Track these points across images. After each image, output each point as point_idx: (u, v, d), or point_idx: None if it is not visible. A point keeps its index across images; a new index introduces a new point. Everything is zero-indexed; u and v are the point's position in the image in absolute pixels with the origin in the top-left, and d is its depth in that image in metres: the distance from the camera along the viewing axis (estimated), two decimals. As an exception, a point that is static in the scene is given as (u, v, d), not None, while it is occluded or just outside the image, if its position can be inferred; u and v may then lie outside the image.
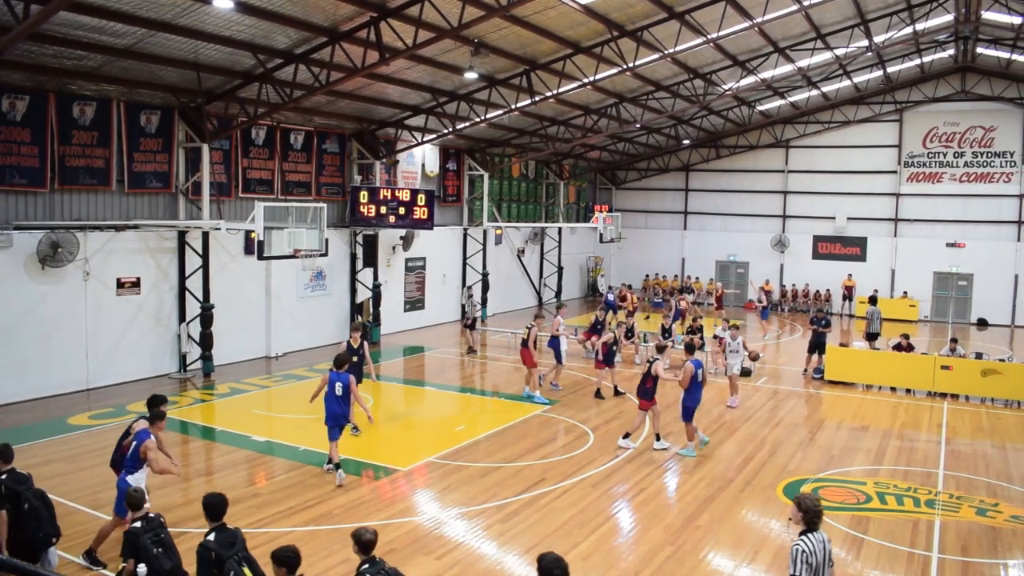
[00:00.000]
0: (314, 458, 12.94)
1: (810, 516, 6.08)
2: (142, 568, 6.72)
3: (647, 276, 38.79)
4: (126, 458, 9.10)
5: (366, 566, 6.13)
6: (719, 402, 17.51)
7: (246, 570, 6.55)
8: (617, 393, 17.87)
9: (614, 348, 18.35)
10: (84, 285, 17.00)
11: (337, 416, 11.97)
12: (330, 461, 11.95)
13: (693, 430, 13.67)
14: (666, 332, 21.48)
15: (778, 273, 36.31)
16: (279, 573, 6.12)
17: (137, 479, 8.82)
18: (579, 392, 18.31)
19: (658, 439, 13.95)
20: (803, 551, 5.95)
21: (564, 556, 9.37)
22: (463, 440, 14.21)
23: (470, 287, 26.05)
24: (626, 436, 14.03)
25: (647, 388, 13.83)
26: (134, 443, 9.04)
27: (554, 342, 18.60)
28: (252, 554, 6.78)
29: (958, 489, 12.26)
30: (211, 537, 6.64)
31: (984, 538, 10.36)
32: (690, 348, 14.29)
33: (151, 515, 7.11)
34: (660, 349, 15.13)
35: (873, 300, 25.22)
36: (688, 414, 13.61)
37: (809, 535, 6.04)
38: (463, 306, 24.48)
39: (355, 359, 14.27)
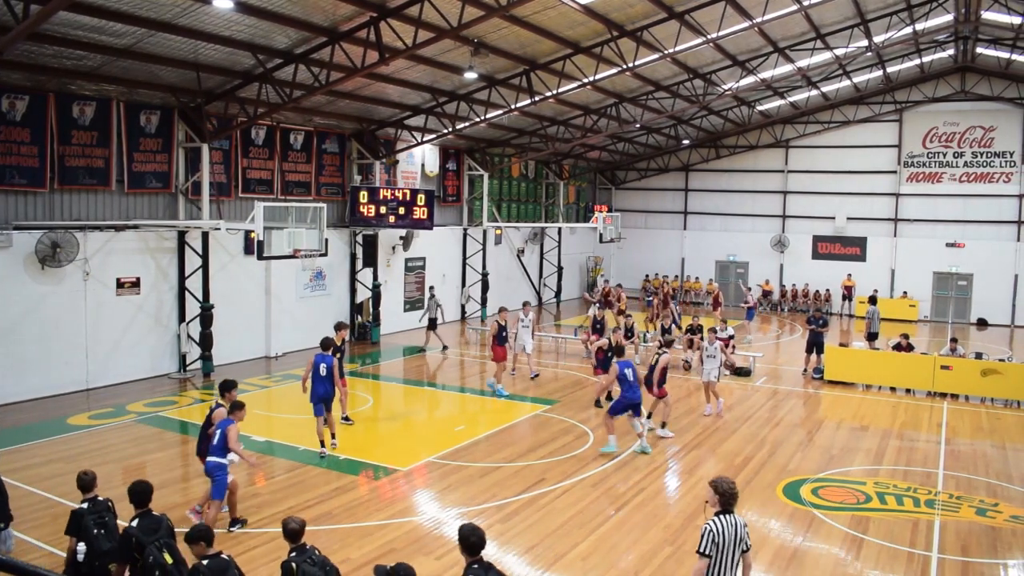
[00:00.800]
0: (314, 458, 12.95)
1: (725, 499, 6.43)
2: (81, 546, 7.09)
3: (647, 276, 38.79)
4: (212, 446, 9.70)
5: (294, 554, 6.43)
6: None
7: (166, 555, 6.76)
8: (604, 400, 16.65)
9: (610, 354, 16.98)
10: (84, 285, 17.00)
11: (320, 395, 12.88)
12: (323, 445, 13.01)
13: (612, 427, 13.68)
14: (666, 332, 21.46)
15: (778, 273, 36.32)
16: (197, 549, 6.50)
17: (223, 463, 9.58)
18: (578, 392, 18.31)
19: (663, 427, 14.83)
20: (711, 531, 6.33)
21: (564, 556, 9.45)
22: (463, 440, 14.21)
23: (432, 287, 25.10)
24: (663, 426, 14.87)
25: (656, 380, 14.84)
26: (218, 431, 9.66)
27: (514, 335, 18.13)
28: (172, 542, 7.05)
29: (958, 489, 12.26)
30: (134, 523, 6.95)
31: (984, 538, 10.35)
32: (619, 350, 14.34)
33: (99, 499, 7.46)
34: (668, 344, 16.08)
35: (873, 300, 25.21)
36: (615, 409, 13.70)
37: (721, 516, 6.40)
38: (427, 307, 23.71)
39: (339, 356, 14.53)
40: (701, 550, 6.34)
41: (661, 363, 14.91)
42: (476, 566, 5.95)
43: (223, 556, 6.48)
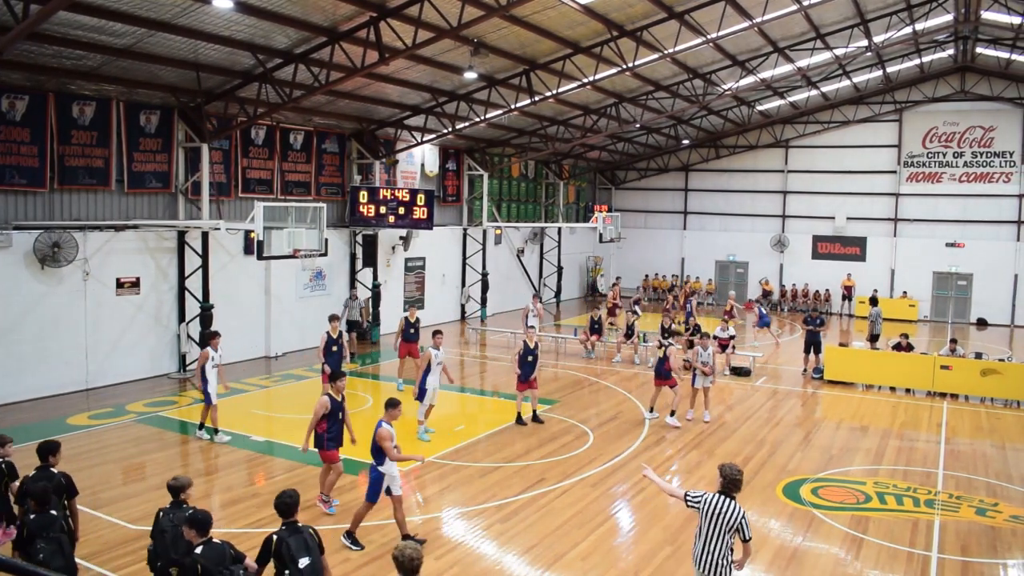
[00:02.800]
0: (313, 458, 12.93)
1: (724, 482, 7.10)
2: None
3: (646, 276, 38.79)
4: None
5: (283, 528, 6.63)
6: (719, 402, 17.51)
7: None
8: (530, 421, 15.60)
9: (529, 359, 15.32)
10: (83, 285, 17.00)
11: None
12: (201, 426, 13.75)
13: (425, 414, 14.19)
14: (666, 332, 21.44)
15: (778, 273, 36.32)
16: (188, 534, 6.49)
17: (388, 468, 9.52)
18: (578, 392, 18.30)
19: (671, 415, 15.59)
20: (705, 498, 7.11)
21: (564, 556, 9.45)
22: (462, 440, 14.21)
23: (354, 290, 23.68)
24: (672, 414, 15.62)
25: (664, 370, 15.80)
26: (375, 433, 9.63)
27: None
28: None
29: (958, 489, 12.26)
30: (199, 550, 6.53)
31: (984, 538, 10.36)
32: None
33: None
34: (674, 334, 17.43)
35: (875, 301, 25.22)
36: (421, 395, 14.20)
37: (718, 495, 7.09)
38: (345, 308, 22.81)
39: (334, 348, 15.05)
40: (687, 496, 7.25)
41: (671, 354, 15.97)
42: (284, 528, 6.58)
43: (215, 542, 6.47)
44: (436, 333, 14.92)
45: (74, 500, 7.92)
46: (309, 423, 10.60)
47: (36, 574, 3.26)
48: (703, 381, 16.05)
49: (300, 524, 6.66)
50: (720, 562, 6.95)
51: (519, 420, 15.31)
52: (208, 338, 14.42)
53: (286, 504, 6.68)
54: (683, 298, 29.11)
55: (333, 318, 15.59)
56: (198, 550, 6.39)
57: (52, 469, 7.85)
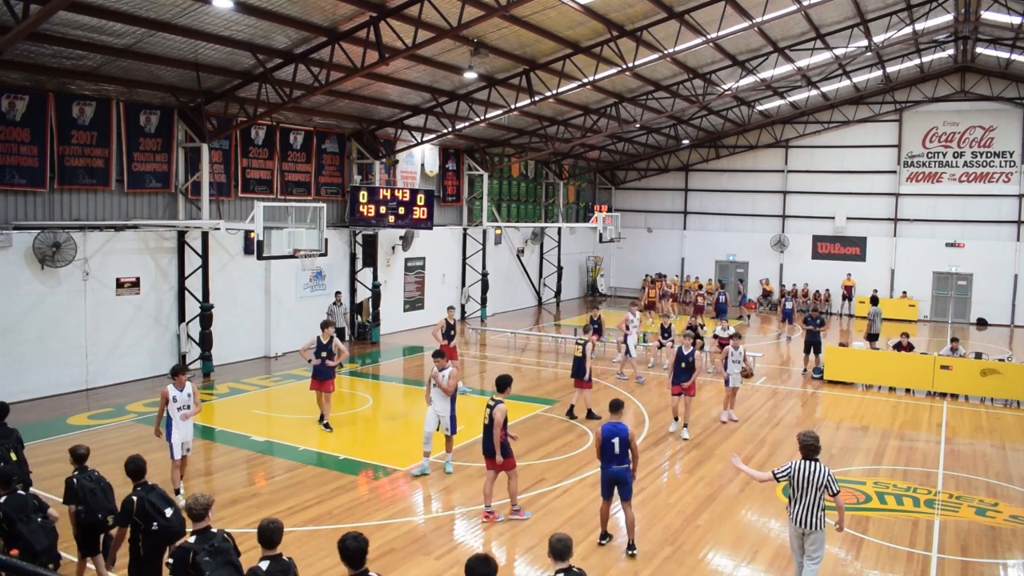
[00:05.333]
0: (313, 458, 12.95)
1: (804, 448, 8.08)
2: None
3: (646, 276, 38.78)
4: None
5: (193, 539, 6.19)
6: (718, 403, 17.51)
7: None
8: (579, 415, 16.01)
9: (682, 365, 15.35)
10: (83, 285, 17.00)
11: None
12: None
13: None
14: (665, 332, 21.41)
15: (778, 273, 36.32)
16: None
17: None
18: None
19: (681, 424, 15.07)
20: (790, 467, 8.06)
21: (564, 556, 9.44)
22: (463, 440, 14.20)
23: (338, 293, 22.99)
24: (682, 425, 14.95)
25: (686, 367, 14.90)
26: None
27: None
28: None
29: (958, 489, 12.27)
30: (2, 500, 7.07)
31: (983, 538, 10.36)
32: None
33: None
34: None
35: (875, 301, 25.23)
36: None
37: (802, 461, 8.01)
38: (336, 316, 21.80)
39: (324, 355, 14.27)
40: (775, 472, 8.23)
41: (696, 357, 15.25)
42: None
43: (20, 493, 6.96)
44: (438, 355, 12.46)
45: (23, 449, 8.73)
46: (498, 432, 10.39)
47: (37, 574, 3.27)
48: (736, 381, 15.95)
49: (212, 529, 6.34)
50: (817, 515, 7.88)
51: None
52: (174, 373, 11.06)
53: (200, 511, 6.36)
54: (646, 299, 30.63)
55: (326, 324, 14.73)
56: (2, 499, 6.94)
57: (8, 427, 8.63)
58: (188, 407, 10.86)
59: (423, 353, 22.95)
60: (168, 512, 7.08)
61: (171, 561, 6.12)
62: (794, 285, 35.64)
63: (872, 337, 22.88)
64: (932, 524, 10.78)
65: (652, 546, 9.84)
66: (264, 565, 5.81)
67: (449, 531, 10.24)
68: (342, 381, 17.96)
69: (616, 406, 9.80)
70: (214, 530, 6.31)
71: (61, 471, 11.85)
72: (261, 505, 10.81)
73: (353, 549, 5.54)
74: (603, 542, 9.83)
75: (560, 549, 5.95)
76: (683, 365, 14.89)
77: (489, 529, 10.26)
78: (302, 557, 9.22)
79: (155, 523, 6.99)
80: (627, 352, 19.97)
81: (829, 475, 7.90)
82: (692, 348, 15.05)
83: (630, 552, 9.56)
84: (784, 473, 8.09)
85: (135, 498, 7.10)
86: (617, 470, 9.55)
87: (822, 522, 7.91)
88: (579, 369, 15.89)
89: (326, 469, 12.50)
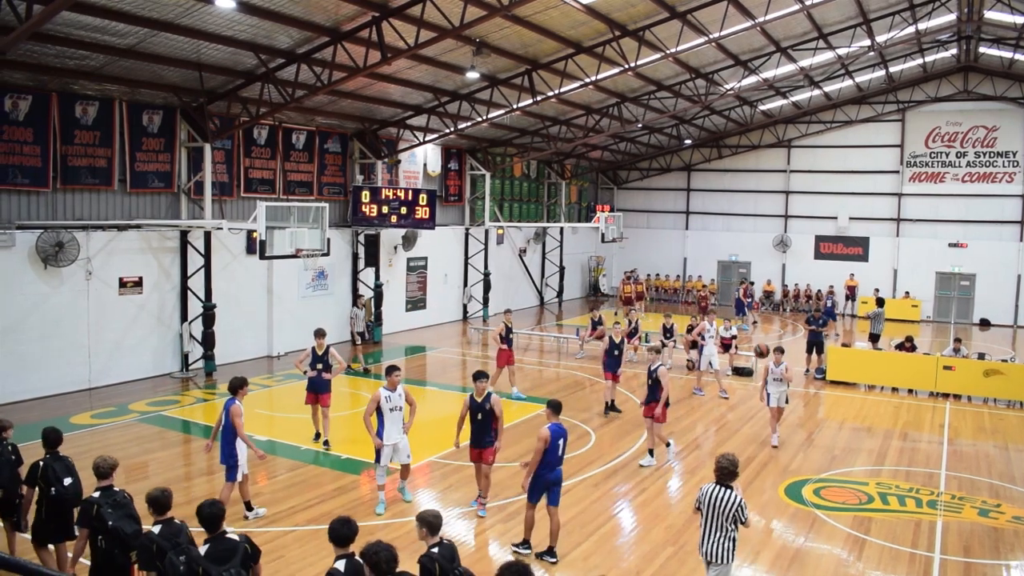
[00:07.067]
0: (315, 458, 12.96)
1: (718, 469, 7.44)
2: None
3: (648, 276, 38.77)
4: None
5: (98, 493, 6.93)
6: (719, 402, 17.50)
7: None
8: (609, 410, 16.28)
9: (615, 353, 16.33)
10: (86, 285, 17.02)
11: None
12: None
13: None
14: (667, 332, 21.43)
15: (780, 273, 36.29)
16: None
17: None
18: (580, 392, 18.29)
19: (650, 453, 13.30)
20: (703, 491, 7.50)
21: (566, 556, 9.44)
22: (464, 439, 14.19)
23: (360, 297, 22.53)
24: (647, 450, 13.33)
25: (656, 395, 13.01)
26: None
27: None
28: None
29: (960, 490, 12.25)
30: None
31: (986, 539, 10.34)
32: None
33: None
34: (657, 351, 13.72)
35: (880, 302, 25.12)
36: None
37: (713, 485, 7.42)
38: (356, 318, 20.97)
39: (320, 366, 13.58)
40: (696, 505, 7.62)
41: (662, 375, 12.91)
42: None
43: (176, 521, 6.67)
44: (392, 370, 10.85)
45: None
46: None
47: (37, 574, 3.28)
48: (779, 399, 14.27)
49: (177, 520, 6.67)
50: (725, 546, 7.28)
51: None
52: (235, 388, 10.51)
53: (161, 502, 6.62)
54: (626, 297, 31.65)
55: (319, 334, 13.99)
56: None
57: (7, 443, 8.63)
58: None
59: (425, 353, 22.96)
60: (67, 481, 7.82)
61: (77, 513, 7.04)
62: (770, 283, 35.70)
63: (873, 338, 22.84)
64: (935, 525, 10.77)
65: (654, 546, 9.84)
66: (340, 565, 6.05)
67: (450, 531, 10.23)
68: (343, 381, 17.97)
69: (557, 407, 9.52)
70: (116, 488, 7.08)
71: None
72: (262, 504, 10.82)
73: (207, 515, 6.21)
74: (525, 551, 9.33)
75: (437, 525, 6.32)
76: (649, 382, 13.10)
77: (491, 529, 10.26)
78: (303, 557, 9.25)
79: (54, 488, 7.74)
80: (701, 365, 18.68)
81: (741, 504, 7.25)
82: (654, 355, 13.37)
83: (551, 560, 9.21)
84: (697, 500, 7.53)
85: (41, 463, 7.87)
86: (559, 472, 9.40)
87: (730, 555, 7.27)
88: (615, 361, 16.24)
89: (327, 469, 12.51)
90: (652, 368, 13.07)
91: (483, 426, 10.55)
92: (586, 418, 15.88)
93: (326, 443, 13.58)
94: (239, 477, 10.16)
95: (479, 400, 10.53)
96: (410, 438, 11.04)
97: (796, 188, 35.97)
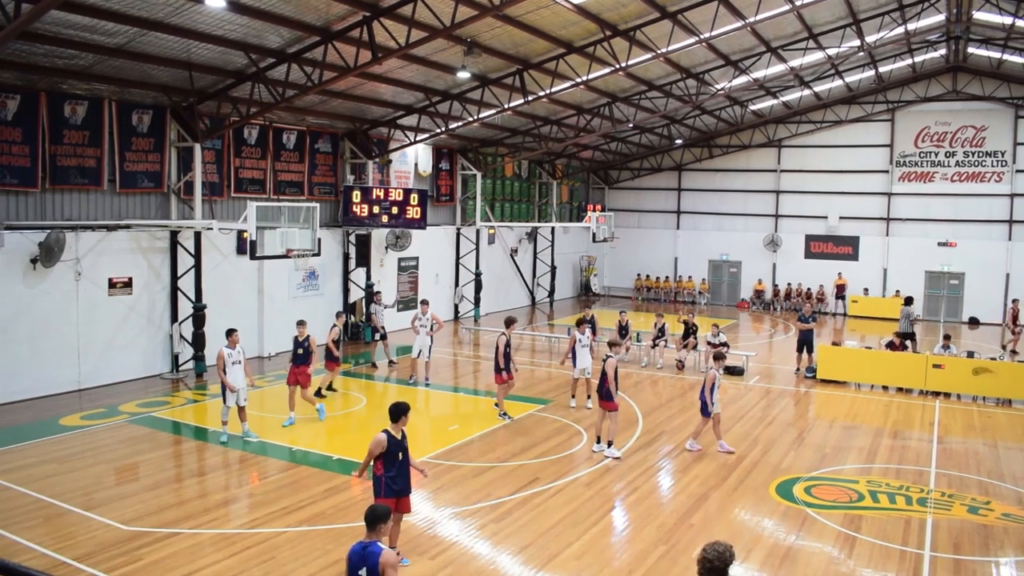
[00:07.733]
0: (308, 458, 12.93)
1: (702, 566, 5.46)
2: None
3: (639, 275, 38.85)
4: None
5: None
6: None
7: None
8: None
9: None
10: (76, 285, 16.93)
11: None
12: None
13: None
14: (660, 332, 21.47)
15: (771, 272, 36.41)
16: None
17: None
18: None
19: (598, 441, 13.55)
20: None
21: (558, 555, 9.45)
22: (456, 440, 14.21)
23: (378, 292, 22.20)
24: (609, 445, 13.32)
25: (605, 390, 13.18)
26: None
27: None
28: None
29: (950, 487, 12.32)
30: None
31: (976, 536, 10.40)
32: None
33: None
34: (611, 345, 13.80)
35: (908, 301, 23.61)
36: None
37: None
38: (372, 313, 21.26)
39: (300, 351, 15.03)
40: None
41: (609, 369, 13.10)
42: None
43: None
44: (231, 332, 14.18)
45: None
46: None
47: (37, 574, 3.26)
48: (717, 407, 13.96)
49: None
50: None
51: None
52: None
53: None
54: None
55: (301, 323, 15.56)
56: None
57: None
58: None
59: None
60: None
61: None
62: (788, 284, 35.78)
63: (904, 336, 21.79)
64: (925, 522, 10.83)
65: (646, 545, 9.86)
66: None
67: (443, 531, 10.23)
68: (334, 382, 17.92)
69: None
70: None
71: (53, 472, 11.87)
72: (255, 505, 10.80)
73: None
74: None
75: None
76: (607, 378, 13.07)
77: (483, 529, 10.25)
78: (296, 558, 9.22)
79: None
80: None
81: None
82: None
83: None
84: None
85: None
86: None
87: None
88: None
89: (320, 469, 12.48)
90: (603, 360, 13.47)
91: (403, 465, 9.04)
92: (578, 418, 15.89)
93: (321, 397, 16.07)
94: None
95: (398, 438, 8.99)
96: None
97: (786, 188, 36.09)
